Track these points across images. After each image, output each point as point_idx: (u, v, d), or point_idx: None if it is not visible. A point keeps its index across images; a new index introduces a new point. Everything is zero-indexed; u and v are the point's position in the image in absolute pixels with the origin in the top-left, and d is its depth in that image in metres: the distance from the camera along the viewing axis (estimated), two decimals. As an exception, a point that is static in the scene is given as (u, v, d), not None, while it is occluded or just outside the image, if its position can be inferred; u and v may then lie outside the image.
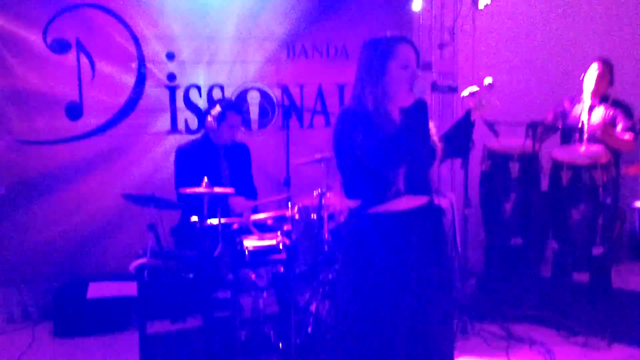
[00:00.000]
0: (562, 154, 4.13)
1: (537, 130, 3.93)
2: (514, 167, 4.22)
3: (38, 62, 4.10)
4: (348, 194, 2.42)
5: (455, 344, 2.69)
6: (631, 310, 4.08)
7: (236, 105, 4.23)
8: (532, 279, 4.29)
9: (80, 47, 4.17)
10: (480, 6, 4.68)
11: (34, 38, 4.08)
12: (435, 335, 2.43)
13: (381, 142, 2.20)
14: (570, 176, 3.98)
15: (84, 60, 4.19)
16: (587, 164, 3.98)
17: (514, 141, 4.19)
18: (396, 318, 2.34)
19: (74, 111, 4.20)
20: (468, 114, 3.44)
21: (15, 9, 4.01)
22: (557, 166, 4.09)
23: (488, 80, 3.61)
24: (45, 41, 4.10)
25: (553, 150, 4.26)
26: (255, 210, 4.00)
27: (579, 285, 4.38)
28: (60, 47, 4.14)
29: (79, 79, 4.19)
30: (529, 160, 4.17)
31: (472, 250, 4.91)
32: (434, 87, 2.38)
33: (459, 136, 3.46)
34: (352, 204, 2.39)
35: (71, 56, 4.16)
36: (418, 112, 2.23)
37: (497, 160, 4.32)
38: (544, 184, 4.28)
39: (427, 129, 2.29)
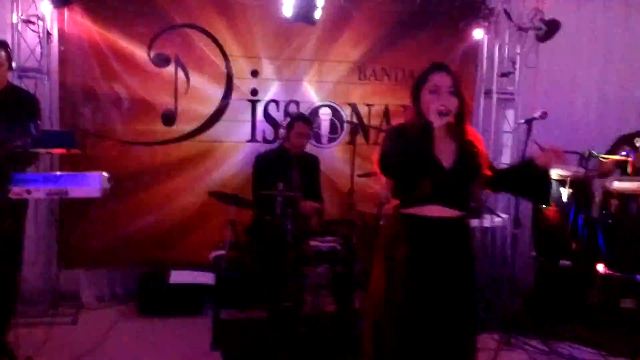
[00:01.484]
0: (612, 182, 4.34)
1: (589, 159, 4.16)
2: (566, 192, 4.45)
3: (141, 73, 4.70)
4: (393, 195, 2.73)
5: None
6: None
7: (304, 116, 4.73)
8: (579, 301, 4.48)
9: (178, 62, 4.75)
10: (544, 38, 4.95)
11: (139, 52, 4.68)
12: (453, 346, 2.55)
13: (402, 149, 2.48)
14: (619, 204, 4.19)
15: (180, 73, 4.76)
16: (634, 193, 4.17)
17: (567, 168, 4.42)
18: (414, 317, 2.53)
19: (169, 118, 4.78)
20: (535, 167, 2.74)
21: (124, 26, 4.62)
22: (606, 194, 4.30)
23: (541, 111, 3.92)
24: (148, 55, 4.70)
25: (603, 179, 4.48)
26: (321, 214, 4.44)
27: (626, 310, 4.55)
28: (161, 61, 4.73)
29: (175, 90, 4.76)
30: (581, 187, 4.40)
31: (524, 269, 5.16)
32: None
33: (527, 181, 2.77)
34: (395, 204, 2.70)
35: (170, 69, 4.74)
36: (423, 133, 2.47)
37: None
38: (595, 210, 4.49)
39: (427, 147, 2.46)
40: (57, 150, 3.45)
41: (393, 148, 2.53)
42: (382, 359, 2.61)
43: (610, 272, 4.34)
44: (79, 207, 4.55)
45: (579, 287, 4.48)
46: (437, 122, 2.47)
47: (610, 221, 4.27)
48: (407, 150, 2.47)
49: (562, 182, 4.48)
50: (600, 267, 4.41)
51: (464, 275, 2.61)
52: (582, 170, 4.20)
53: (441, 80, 2.58)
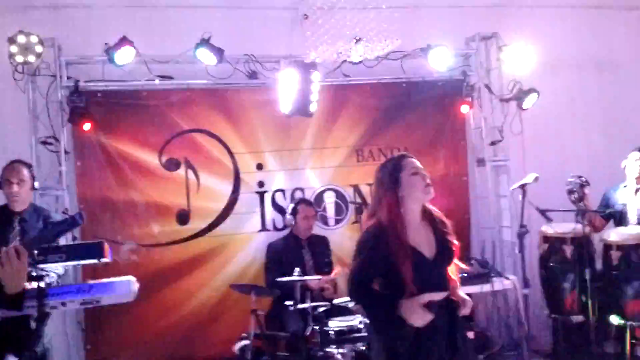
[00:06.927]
0: (611, 235, 4.53)
1: (584, 215, 4.38)
2: (568, 250, 4.64)
3: (154, 178, 4.98)
4: None
5: None
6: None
7: (305, 199, 4.99)
8: (597, 355, 4.55)
9: (188, 165, 5.05)
10: (525, 106, 5.31)
11: (151, 159, 4.98)
12: None
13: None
14: (620, 256, 4.37)
15: (190, 175, 5.05)
16: (634, 244, 4.36)
17: (566, 226, 4.62)
18: None
19: (183, 217, 5.02)
20: None
21: (136, 136, 4.94)
22: (607, 247, 4.49)
23: (533, 175, 4.20)
24: (160, 161, 5.00)
25: (603, 233, 4.68)
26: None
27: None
28: (172, 165, 5.02)
29: (187, 191, 5.03)
30: (582, 243, 4.58)
31: (541, 329, 5.26)
32: None
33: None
34: None
35: (181, 172, 5.03)
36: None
37: (552, 244, 4.76)
38: (599, 264, 4.65)
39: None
40: (89, 262, 3.64)
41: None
42: None
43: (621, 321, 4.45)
44: (103, 312, 4.69)
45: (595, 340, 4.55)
46: (428, 196, 2.72)
47: (614, 273, 4.43)
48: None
49: (563, 240, 4.67)
50: (613, 319, 4.52)
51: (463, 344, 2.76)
52: (579, 227, 4.39)
53: (415, 163, 2.77)
